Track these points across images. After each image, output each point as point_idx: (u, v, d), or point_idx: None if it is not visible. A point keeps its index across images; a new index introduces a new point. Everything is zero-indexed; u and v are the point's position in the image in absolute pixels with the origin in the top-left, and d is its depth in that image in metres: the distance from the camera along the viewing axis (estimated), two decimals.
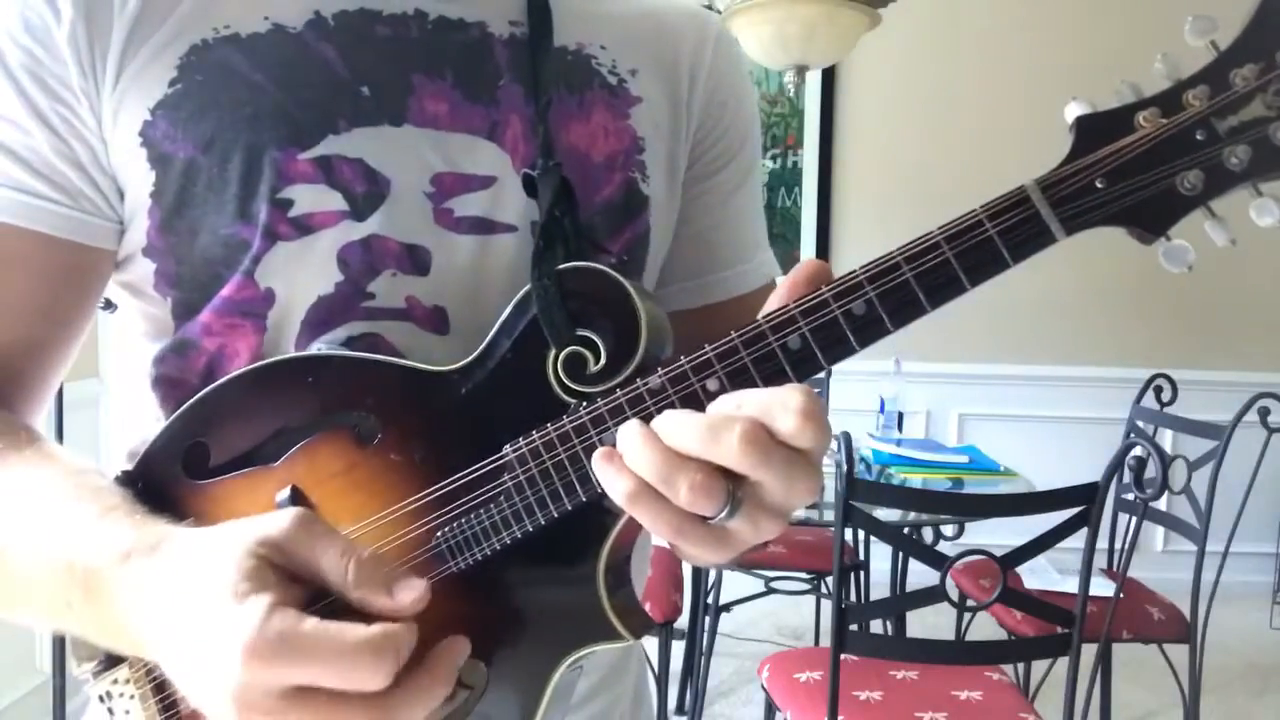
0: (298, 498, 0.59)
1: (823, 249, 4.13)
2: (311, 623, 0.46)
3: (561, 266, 0.58)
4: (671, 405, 0.53)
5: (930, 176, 3.98)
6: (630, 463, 0.50)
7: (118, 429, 0.72)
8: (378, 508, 0.59)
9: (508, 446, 0.57)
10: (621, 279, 0.57)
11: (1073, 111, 0.51)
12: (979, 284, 0.51)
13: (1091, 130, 0.50)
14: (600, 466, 0.51)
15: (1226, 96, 0.49)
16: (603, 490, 0.53)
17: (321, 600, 0.50)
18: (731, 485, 0.49)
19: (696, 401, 0.52)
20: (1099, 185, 0.50)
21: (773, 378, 0.52)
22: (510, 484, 0.56)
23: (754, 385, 0.52)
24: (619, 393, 0.54)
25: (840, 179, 4.14)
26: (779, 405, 0.48)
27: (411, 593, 0.50)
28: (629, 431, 0.50)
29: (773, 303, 0.53)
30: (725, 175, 0.77)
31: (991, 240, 0.50)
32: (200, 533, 0.52)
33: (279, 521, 0.50)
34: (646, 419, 0.53)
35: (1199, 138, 0.49)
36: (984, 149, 3.93)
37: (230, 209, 0.62)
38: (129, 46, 0.62)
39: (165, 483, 0.62)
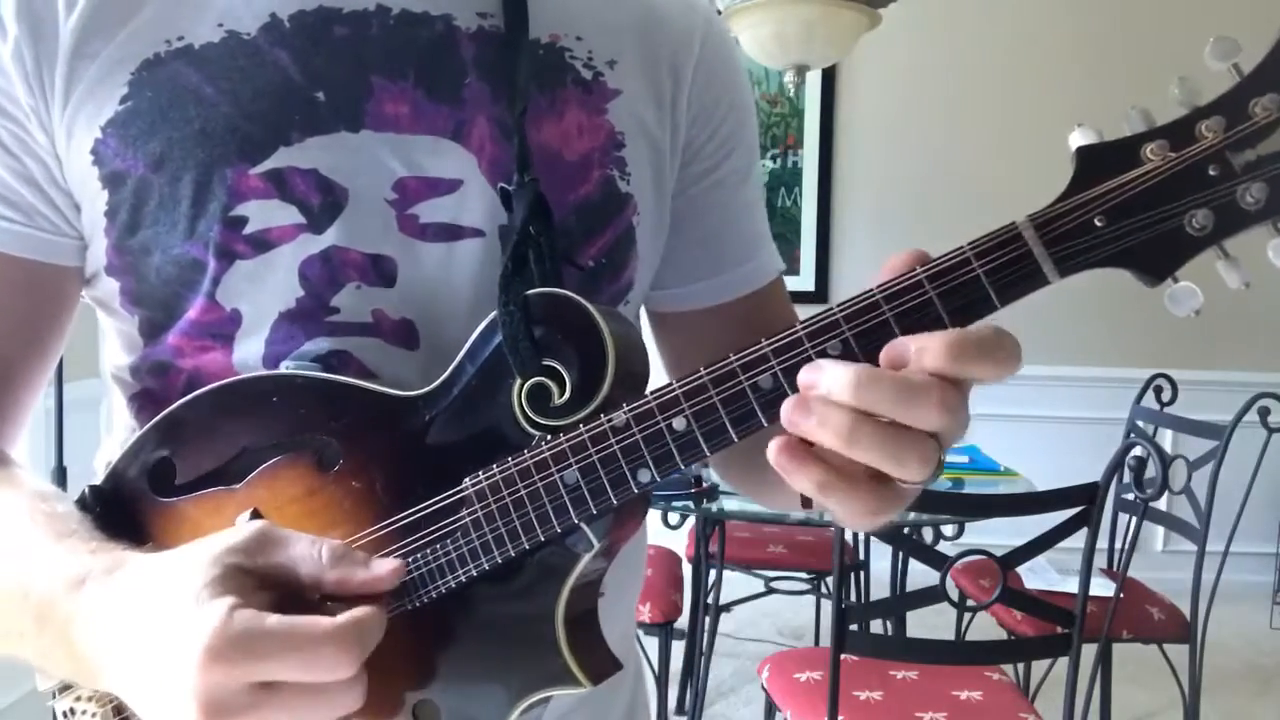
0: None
1: (823, 249, 4.13)
2: (274, 618, 0.46)
3: (529, 292, 0.56)
4: (635, 443, 0.51)
5: (931, 176, 3.98)
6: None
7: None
8: (338, 536, 0.57)
9: (467, 480, 0.55)
10: (591, 308, 0.55)
11: (1076, 140, 0.47)
12: (963, 325, 0.47)
13: (1094, 162, 0.46)
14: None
15: (1244, 129, 0.44)
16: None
17: (290, 607, 0.49)
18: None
19: (660, 440, 0.51)
20: (1098, 224, 0.46)
21: (742, 418, 0.49)
22: (468, 519, 0.55)
23: (721, 425, 0.50)
24: (582, 428, 0.52)
25: (840, 179, 4.13)
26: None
27: (388, 564, 0.50)
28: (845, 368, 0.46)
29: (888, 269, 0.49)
30: (729, 167, 0.75)
31: (978, 280, 0.47)
32: (161, 554, 0.52)
33: (242, 529, 0.50)
34: (608, 457, 0.52)
35: (1211, 173, 0.45)
36: (985, 149, 3.94)
37: (181, 228, 0.61)
38: (76, 63, 0.60)
39: (132, 499, 0.61)
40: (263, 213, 0.61)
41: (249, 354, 0.62)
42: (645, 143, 0.69)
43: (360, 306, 0.62)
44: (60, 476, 2.44)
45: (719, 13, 2.58)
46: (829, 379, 0.46)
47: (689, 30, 0.73)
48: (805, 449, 0.47)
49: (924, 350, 0.45)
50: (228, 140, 0.60)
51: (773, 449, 0.46)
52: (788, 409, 0.46)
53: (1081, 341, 4.02)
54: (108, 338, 0.69)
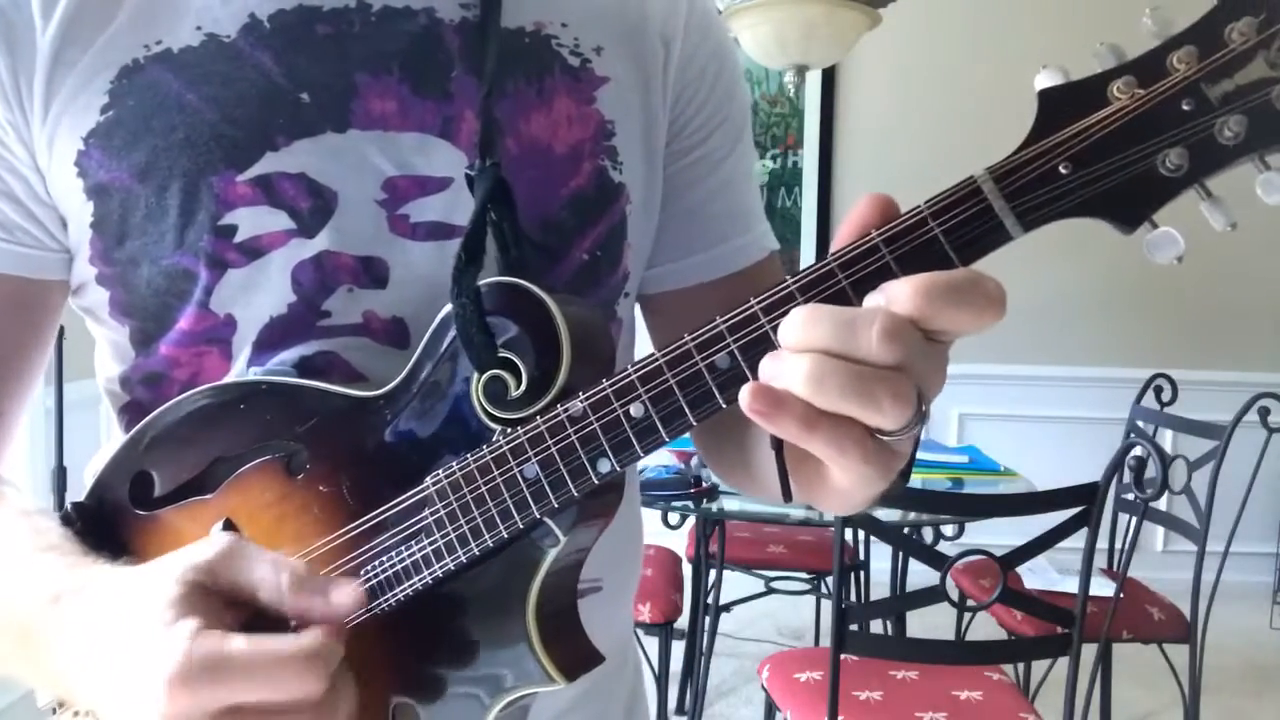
0: (232, 531, 0.57)
1: (823, 250, 4.13)
2: (239, 640, 0.45)
3: (481, 283, 0.54)
4: (593, 432, 0.50)
5: (930, 177, 3.96)
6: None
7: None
8: (310, 540, 0.57)
9: (429, 479, 0.54)
10: (543, 295, 0.53)
11: (1041, 82, 0.43)
12: None
13: (1058, 105, 0.43)
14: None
15: (1218, 58, 0.41)
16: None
17: (256, 625, 0.49)
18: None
19: (618, 428, 0.49)
20: (1063, 171, 0.42)
21: (699, 400, 0.47)
22: (431, 519, 0.54)
23: (680, 409, 0.47)
24: (539, 420, 0.51)
25: (840, 179, 4.14)
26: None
27: (347, 593, 0.49)
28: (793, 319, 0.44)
29: (845, 233, 0.46)
30: (713, 143, 0.73)
31: (936, 241, 0.43)
32: (131, 569, 0.51)
33: (208, 546, 0.49)
34: (566, 448, 0.50)
35: (1185, 108, 0.41)
36: (985, 149, 3.91)
37: (170, 239, 0.60)
38: (55, 73, 0.59)
39: (114, 513, 0.61)
40: (253, 220, 0.60)
41: (245, 359, 0.62)
42: (635, 129, 0.68)
43: (352, 309, 0.61)
44: (60, 476, 2.44)
45: (719, 12, 2.58)
46: (781, 329, 0.44)
47: (673, 2, 0.72)
48: (777, 389, 0.44)
49: (893, 297, 0.42)
50: (213, 148, 0.59)
51: (745, 396, 0.43)
52: (764, 363, 0.44)
53: (1081, 341, 4.02)
54: (98, 347, 0.69)
